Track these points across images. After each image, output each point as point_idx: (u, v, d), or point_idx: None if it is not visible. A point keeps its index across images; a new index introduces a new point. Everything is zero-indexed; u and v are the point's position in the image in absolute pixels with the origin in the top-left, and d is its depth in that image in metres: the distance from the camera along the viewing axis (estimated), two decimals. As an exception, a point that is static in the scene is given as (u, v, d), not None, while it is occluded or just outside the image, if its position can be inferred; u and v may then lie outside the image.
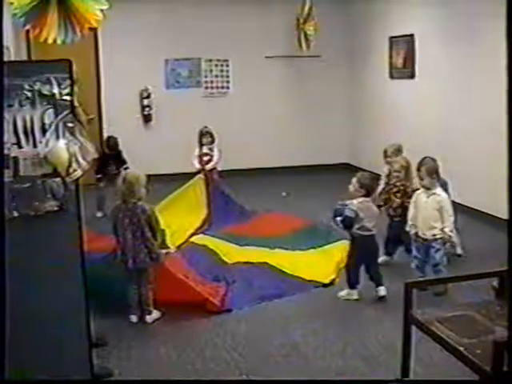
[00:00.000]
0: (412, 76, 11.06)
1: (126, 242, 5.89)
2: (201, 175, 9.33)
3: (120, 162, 10.04)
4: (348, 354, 5.31)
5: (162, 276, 6.12)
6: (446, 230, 6.39)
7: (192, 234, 8.35)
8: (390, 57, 11.83)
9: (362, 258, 6.49)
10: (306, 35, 12.59)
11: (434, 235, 6.45)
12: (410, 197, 6.87)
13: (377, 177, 6.91)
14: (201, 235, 8.27)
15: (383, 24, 12.14)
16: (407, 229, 6.73)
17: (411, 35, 10.98)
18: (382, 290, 6.47)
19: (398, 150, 8.13)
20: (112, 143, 10.30)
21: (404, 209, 7.06)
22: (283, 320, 6.06)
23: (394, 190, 7.31)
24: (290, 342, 5.56)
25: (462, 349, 3.51)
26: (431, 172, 6.53)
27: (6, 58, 8.25)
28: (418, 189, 6.80)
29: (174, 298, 6.20)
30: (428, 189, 6.51)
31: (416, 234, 6.58)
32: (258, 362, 5.23)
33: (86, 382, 4.40)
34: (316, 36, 12.54)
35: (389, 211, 7.41)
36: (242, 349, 5.45)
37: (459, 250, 7.49)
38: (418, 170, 6.66)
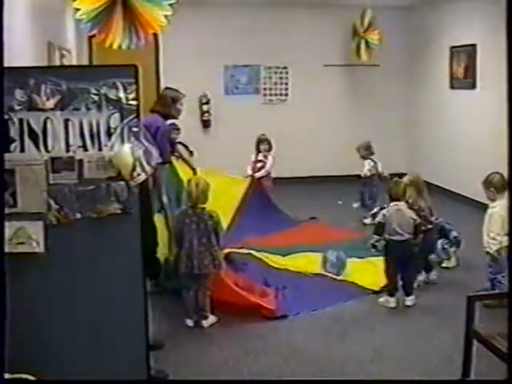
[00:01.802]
0: (473, 86, 10.92)
1: (191, 248, 5.90)
2: (248, 178, 9.37)
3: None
4: (406, 367, 5.24)
5: (217, 281, 6.18)
6: (486, 244, 6.45)
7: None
8: (451, 67, 11.70)
9: (394, 263, 6.49)
10: (367, 44, 12.56)
11: (485, 248, 6.49)
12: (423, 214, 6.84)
13: (401, 181, 6.84)
14: (244, 250, 8.03)
15: (444, 34, 12.02)
16: None
17: (473, 45, 10.85)
18: (410, 301, 6.51)
19: (367, 148, 9.88)
20: None
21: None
22: (339, 328, 6.04)
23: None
24: (346, 352, 5.54)
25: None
26: (487, 185, 6.59)
27: (67, 62, 8.42)
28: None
29: (229, 302, 6.27)
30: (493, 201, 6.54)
31: None
32: (314, 370, 5.20)
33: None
34: (379, 45, 12.51)
35: None
36: (298, 356, 5.44)
37: None
38: (484, 183, 6.68)
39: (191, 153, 9.19)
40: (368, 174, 9.95)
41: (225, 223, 8.36)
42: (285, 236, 8.79)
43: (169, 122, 7.15)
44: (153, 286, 6.77)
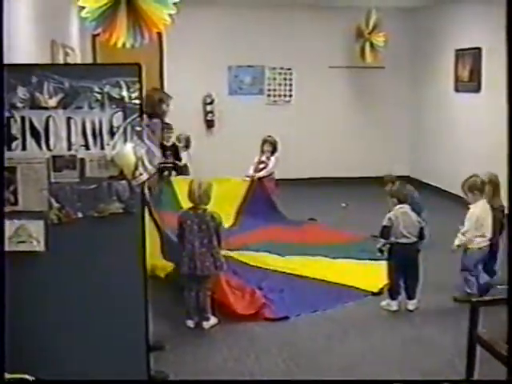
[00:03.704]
0: (478, 90, 10.89)
1: (193, 249, 5.87)
2: (247, 179, 9.39)
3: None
4: (406, 371, 5.19)
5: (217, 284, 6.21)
6: None
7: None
8: (456, 70, 11.67)
9: (398, 267, 6.44)
10: (372, 46, 12.52)
11: None
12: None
13: (406, 184, 6.83)
14: (239, 252, 8.02)
15: (449, 36, 12.00)
16: None
17: (478, 48, 10.81)
18: (412, 305, 6.47)
19: (187, 141, 10.68)
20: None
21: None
22: (340, 331, 6.01)
23: None
24: (347, 354, 5.51)
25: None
26: (471, 189, 6.70)
27: (71, 60, 8.40)
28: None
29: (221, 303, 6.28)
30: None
31: None
32: (315, 372, 5.18)
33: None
34: (385, 47, 12.48)
35: None
36: (299, 358, 5.41)
37: None
38: (462, 187, 6.78)
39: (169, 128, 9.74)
40: (188, 164, 10.43)
41: (226, 224, 8.39)
42: (280, 232, 8.84)
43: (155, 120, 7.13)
44: None
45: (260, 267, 7.57)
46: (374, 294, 6.81)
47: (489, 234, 6.69)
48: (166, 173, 9.93)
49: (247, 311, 6.24)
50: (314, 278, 7.22)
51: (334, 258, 7.92)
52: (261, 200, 9.30)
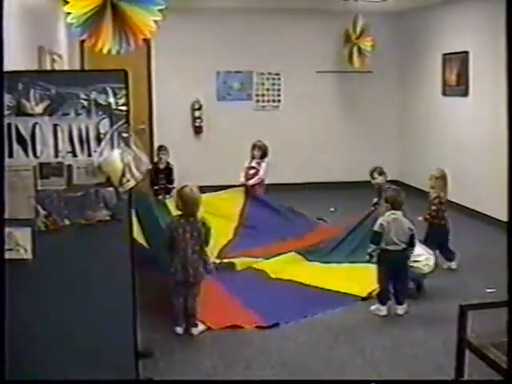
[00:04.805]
0: (465, 94, 10.91)
1: (186, 257, 5.85)
2: (242, 188, 9.28)
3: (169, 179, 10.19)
4: (396, 376, 5.18)
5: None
6: None
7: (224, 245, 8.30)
8: (443, 74, 11.69)
9: (388, 272, 6.45)
10: (360, 50, 12.55)
11: None
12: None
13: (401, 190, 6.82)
14: (243, 259, 7.97)
15: (436, 40, 12.04)
16: None
17: (465, 52, 10.84)
18: (401, 309, 6.49)
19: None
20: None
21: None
22: (330, 337, 5.98)
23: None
24: (337, 360, 5.50)
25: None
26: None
27: (58, 67, 8.36)
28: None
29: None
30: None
31: None
32: (304, 378, 5.16)
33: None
34: (372, 52, 12.51)
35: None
36: (289, 365, 5.39)
37: None
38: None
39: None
40: None
41: (226, 238, 8.37)
42: (283, 242, 8.65)
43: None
44: None
45: (251, 270, 7.58)
46: (363, 299, 6.80)
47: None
48: (160, 196, 9.84)
49: (218, 325, 6.15)
50: (303, 284, 7.20)
51: (325, 262, 7.90)
52: (259, 208, 9.17)
